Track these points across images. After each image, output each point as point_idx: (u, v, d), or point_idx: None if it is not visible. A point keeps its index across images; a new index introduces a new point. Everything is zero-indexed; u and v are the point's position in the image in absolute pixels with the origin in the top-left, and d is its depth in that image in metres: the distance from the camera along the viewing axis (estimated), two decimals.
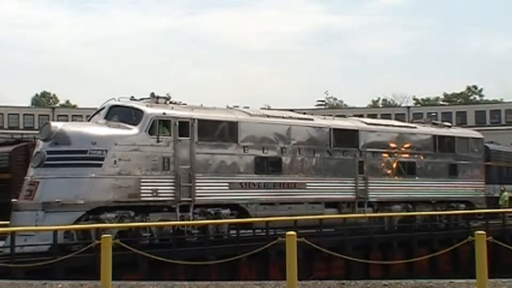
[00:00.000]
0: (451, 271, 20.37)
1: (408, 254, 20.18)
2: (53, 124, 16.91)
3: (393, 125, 25.04)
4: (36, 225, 15.24)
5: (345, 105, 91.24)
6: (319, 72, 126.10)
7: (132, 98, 18.27)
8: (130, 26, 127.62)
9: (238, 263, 16.38)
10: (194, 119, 18.02)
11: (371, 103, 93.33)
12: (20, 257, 13.95)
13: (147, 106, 17.63)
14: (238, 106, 20.58)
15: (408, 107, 77.62)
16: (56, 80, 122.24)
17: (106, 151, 16.32)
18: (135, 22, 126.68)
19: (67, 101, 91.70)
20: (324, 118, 22.62)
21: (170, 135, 17.46)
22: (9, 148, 26.54)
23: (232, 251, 16.22)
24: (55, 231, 14.56)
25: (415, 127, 25.27)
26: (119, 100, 17.94)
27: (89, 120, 18.73)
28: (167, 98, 18.52)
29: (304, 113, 22.69)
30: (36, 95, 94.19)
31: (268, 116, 20.32)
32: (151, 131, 17.12)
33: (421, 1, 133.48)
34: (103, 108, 17.95)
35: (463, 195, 25.46)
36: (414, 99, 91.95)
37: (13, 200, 16.51)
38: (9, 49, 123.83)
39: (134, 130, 17.02)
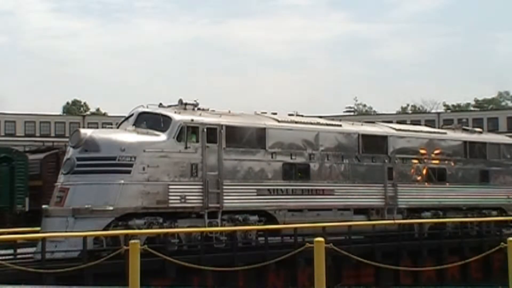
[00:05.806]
0: (483, 279, 20.05)
1: (438, 261, 19.90)
2: (83, 131, 17.07)
3: (423, 131, 24.74)
4: (66, 231, 15.40)
5: (374, 111, 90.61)
6: (346, 79, 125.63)
7: (161, 105, 18.36)
8: (157, 35, 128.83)
9: (266, 270, 16.33)
10: (222, 125, 18.03)
11: (400, 110, 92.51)
12: (50, 263, 14.09)
13: (175, 112, 17.69)
14: (266, 113, 20.56)
15: (438, 113, 76.60)
16: (86, 89, 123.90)
17: (135, 157, 16.42)
18: (162, 31, 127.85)
19: (98, 109, 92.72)
20: (352, 124, 22.47)
21: (198, 142, 17.49)
22: (40, 156, 26.99)
23: (260, 257, 16.16)
24: (85, 237, 14.69)
25: (445, 133, 24.96)
26: (147, 107, 18.04)
27: (118, 127, 18.85)
28: (195, 105, 18.55)
29: (332, 119, 22.57)
30: (67, 103, 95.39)
31: (296, 122, 20.24)
32: (179, 137, 17.17)
33: (446, 7, 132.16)
34: (132, 115, 18.07)
35: (495, 202, 25.02)
36: (445, 105, 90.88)
37: (43, 206, 16.71)
38: (41, 59, 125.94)
39: (163, 136, 17.10)
